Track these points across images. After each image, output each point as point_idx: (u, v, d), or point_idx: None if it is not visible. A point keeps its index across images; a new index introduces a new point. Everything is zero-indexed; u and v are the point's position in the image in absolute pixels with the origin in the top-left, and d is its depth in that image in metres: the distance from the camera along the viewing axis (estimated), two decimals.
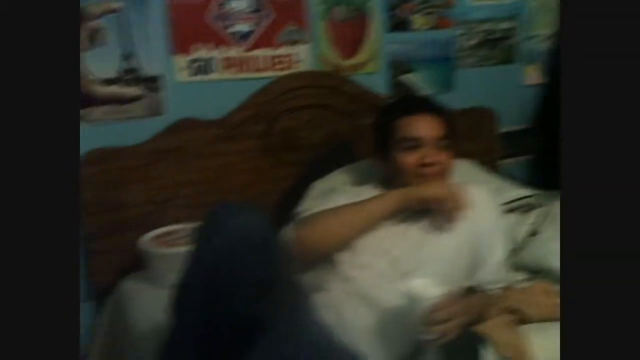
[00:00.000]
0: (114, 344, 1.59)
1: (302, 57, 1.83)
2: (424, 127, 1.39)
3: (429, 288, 1.15)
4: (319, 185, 1.66)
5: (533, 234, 1.60)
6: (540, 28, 2.18)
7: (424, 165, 1.36)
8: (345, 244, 1.31)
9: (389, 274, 1.26)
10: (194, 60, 1.71)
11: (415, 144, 1.38)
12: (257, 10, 1.76)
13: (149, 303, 1.42)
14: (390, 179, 1.47)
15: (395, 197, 1.33)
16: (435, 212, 1.32)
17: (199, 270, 1.10)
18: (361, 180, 1.58)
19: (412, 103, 1.48)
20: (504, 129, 2.14)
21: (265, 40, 1.78)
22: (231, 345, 1.10)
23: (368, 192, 1.48)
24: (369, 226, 1.33)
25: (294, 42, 1.82)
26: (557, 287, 1.44)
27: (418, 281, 1.17)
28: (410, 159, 1.38)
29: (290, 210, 1.61)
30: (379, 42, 1.94)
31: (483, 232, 1.38)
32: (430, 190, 1.30)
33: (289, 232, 1.39)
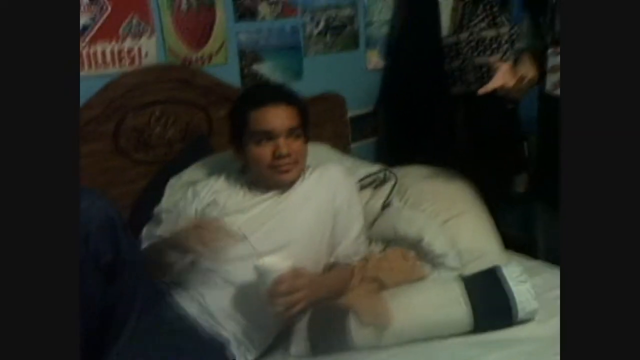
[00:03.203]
0: None
1: (148, 50, 1.76)
2: (275, 118, 1.39)
3: (276, 263, 1.21)
4: (176, 182, 1.63)
5: (385, 206, 1.73)
6: (378, 14, 2.29)
7: (279, 157, 1.39)
8: None
9: (249, 257, 1.27)
10: None
11: (267, 136, 1.39)
12: (94, 1, 1.65)
13: None
14: (248, 170, 1.49)
15: (180, 238, 1.27)
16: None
17: None
18: (219, 173, 1.57)
19: (263, 94, 1.47)
20: (352, 113, 2.24)
21: (107, 34, 1.68)
22: (91, 340, 1.06)
23: (227, 184, 1.50)
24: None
25: (139, 35, 1.74)
26: (411, 252, 1.58)
27: (268, 258, 1.22)
28: (264, 152, 1.39)
29: (149, 210, 1.58)
30: (227, 32, 1.92)
31: (340, 209, 1.45)
32: (192, 242, 1.23)
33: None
